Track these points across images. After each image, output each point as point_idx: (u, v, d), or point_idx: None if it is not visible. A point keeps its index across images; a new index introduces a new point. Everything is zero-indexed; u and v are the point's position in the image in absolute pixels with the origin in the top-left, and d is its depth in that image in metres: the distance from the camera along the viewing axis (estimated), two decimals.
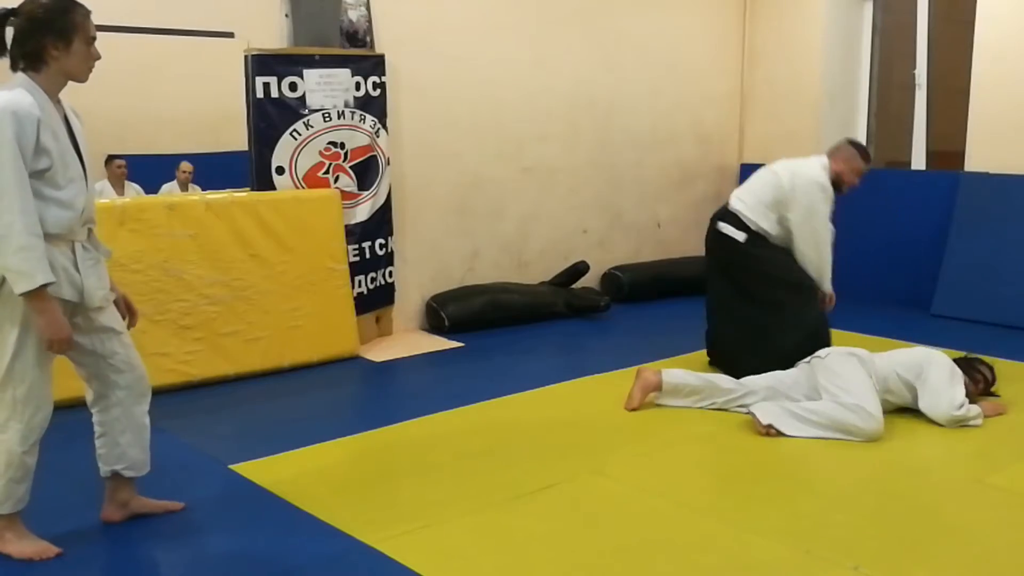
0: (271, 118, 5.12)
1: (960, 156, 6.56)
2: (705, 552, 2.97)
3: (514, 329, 6.04)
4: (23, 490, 2.89)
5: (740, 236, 4.74)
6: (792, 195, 4.64)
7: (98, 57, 2.84)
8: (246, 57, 5.04)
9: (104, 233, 4.49)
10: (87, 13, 2.81)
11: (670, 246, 7.35)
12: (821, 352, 4.26)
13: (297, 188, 5.23)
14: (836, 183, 4.67)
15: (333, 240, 5.24)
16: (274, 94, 5.10)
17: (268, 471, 3.62)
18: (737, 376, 4.42)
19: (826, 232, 4.69)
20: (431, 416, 4.31)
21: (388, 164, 5.62)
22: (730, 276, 4.86)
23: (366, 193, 5.52)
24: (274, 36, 5.23)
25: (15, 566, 2.91)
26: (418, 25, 5.86)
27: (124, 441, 3.08)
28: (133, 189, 5.79)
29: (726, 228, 4.80)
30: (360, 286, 5.54)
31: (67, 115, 2.87)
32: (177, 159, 5.87)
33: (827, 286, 4.78)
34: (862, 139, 7.62)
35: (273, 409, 4.49)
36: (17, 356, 2.79)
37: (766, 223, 4.71)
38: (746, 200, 4.79)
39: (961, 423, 4.04)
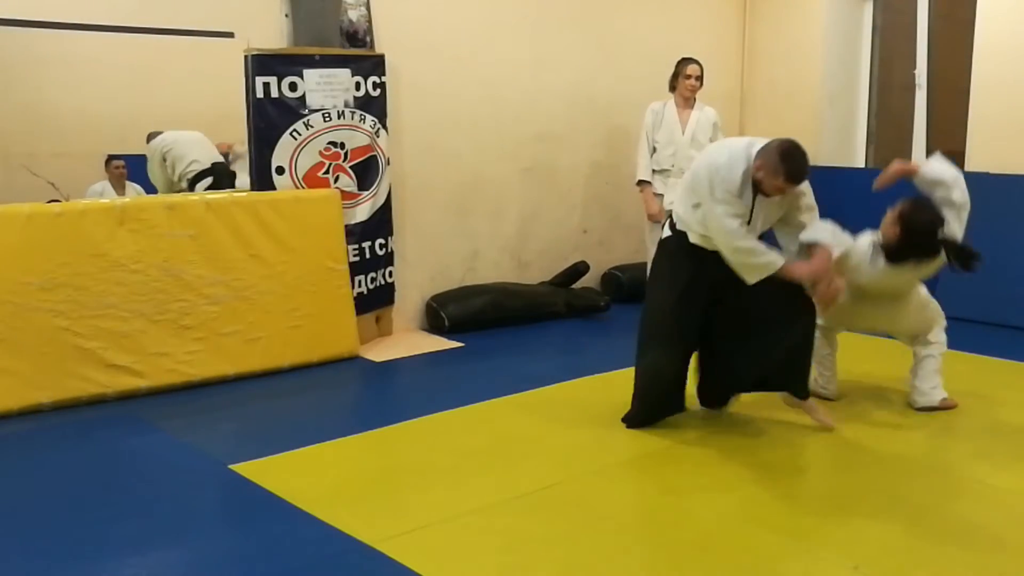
0: (271, 118, 5.12)
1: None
2: (705, 552, 2.97)
3: (514, 329, 6.04)
4: None
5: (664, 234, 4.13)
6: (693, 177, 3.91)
7: None
8: (246, 57, 5.04)
9: (104, 233, 4.53)
10: None
11: None
12: None
13: (297, 188, 5.23)
14: (756, 182, 3.75)
15: (333, 240, 5.24)
16: (274, 94, 5.10)
17: (268, 471, 3.62)
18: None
19: (721, 224, 3.76)
20: (431, 416, 4.31)
21: (388, 164, 5.62)
22: None
23: (366, 193, 5.52)
24: (274, 36, 5.23)
25: (15, 564, 2.91)
26: (418, 25, 5.86)
27: None
28: (133, 189, 5.78)
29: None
30: (360, 286, 5.54)
31: None
32: None
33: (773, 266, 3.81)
34: (862, 139, 7.62)
35: (273, 409, 4.49)
36: None
37: (682, 210, 3.98)
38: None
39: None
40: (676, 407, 4.18)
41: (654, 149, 6.06)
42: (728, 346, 4.06)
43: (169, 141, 5.41)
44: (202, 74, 5.40)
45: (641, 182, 6.13)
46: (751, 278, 3.82)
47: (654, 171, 6.08)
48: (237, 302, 4.87)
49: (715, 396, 4.27)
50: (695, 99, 6.05)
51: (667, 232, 4.05)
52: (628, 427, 4.10)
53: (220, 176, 5.50)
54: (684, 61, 6.04)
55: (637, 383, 4.13)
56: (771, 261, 3.79)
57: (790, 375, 4.08)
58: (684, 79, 5.98)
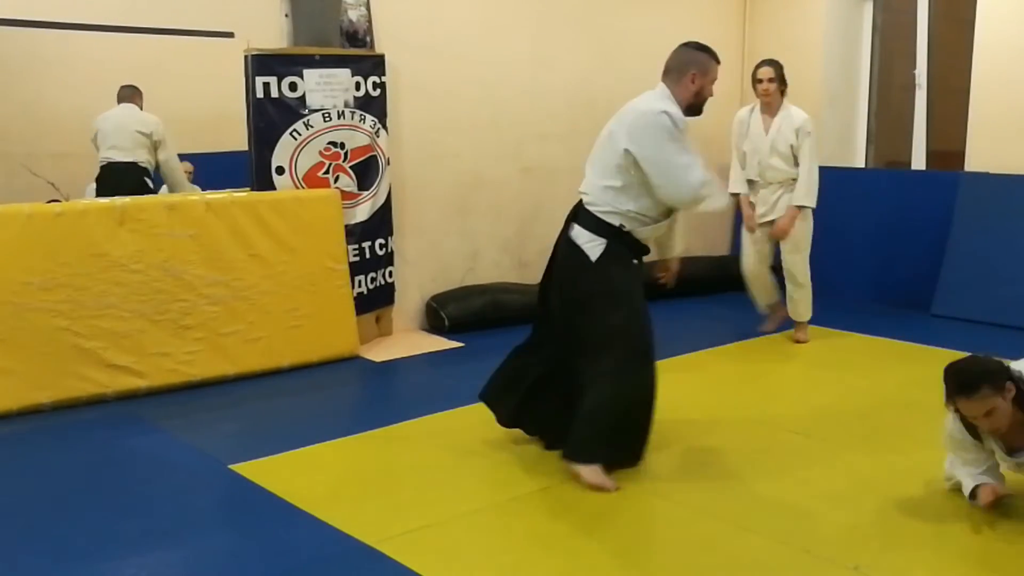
0: (271, 118, 5.12)
1: (960, 156, 6.56)
2: (705, 552, 2.97)
3: (514, 329, 6.00)
4: None
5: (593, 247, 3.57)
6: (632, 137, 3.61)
7: None
8: (246, 57, 5.04)
9: (104, 233, 4.53)
10: None
11: None
12: None
13: (297, 188, 5.23)
14: (696, 105, 3.78)
15: (333, 240, 5.24)
16: (274, 94, 5.10)
17: (268, 471, 3.62)
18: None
19: (684, 165, 3.66)
20: (431, 416, 4.31)
21: (388, 164, 5.62)
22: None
23: (366, 193, 5.52)
24: (274, 36, 5.23)
25: (15, 564, 2.91)
26: (418, 25, 5.86)
27: None
28: None
29: (576, 234, 3.62)
30: (360, 286, 5.54)
31: None
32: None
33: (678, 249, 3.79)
34: (862, 139, 7.63)
35: (273, 409, 4.49)
36: None
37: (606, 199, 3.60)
38: (591, 183, 3.66)
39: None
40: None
41: (745, 159, 5.63)
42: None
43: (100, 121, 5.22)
44: (202, 74, 5.40)
45: (732, 195, 5.59)
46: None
47: (748, 181, 5.66)
48: (237, 302, 4.87)
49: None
50: (781, 103, 5.55)
51: (597, 239, 3.55)
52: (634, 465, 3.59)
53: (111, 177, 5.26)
54: (758, 65, 5.59)
55: (637, 410, 3.55)
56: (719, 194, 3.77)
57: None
58: (756, 83, 5.54)
